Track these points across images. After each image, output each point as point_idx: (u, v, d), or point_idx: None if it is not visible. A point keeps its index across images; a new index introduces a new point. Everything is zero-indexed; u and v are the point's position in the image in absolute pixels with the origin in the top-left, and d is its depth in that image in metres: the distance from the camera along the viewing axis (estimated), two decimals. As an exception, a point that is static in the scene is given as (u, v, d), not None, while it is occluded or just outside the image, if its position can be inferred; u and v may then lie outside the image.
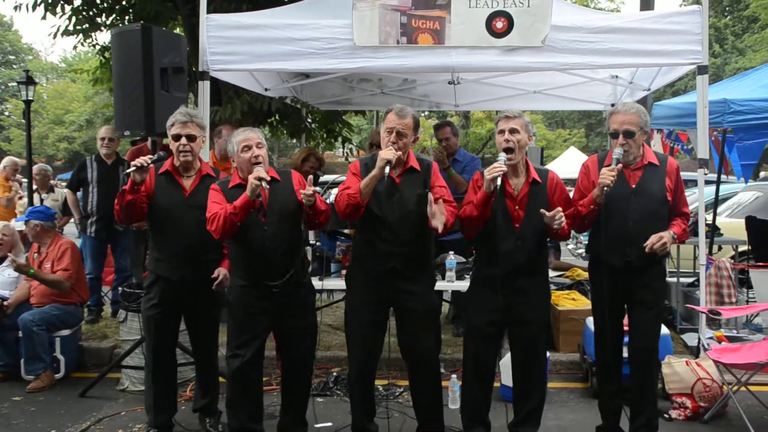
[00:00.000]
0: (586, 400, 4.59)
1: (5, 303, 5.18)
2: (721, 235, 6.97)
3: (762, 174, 16.39)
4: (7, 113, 36.83)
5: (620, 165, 3.52)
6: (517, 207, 3.50)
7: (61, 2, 6.99)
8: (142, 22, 5.35)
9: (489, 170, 3.34)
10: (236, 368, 3.53)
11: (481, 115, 23.32)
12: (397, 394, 4.66)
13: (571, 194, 3.75)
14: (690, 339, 5.41)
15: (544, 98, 7.11)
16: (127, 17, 7.03)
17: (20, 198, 8.49)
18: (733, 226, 7.42)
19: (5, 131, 35.20)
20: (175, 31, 6.37)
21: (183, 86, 4.77)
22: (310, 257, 4.62)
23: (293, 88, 6.57)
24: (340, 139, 8.38)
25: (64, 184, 10.02)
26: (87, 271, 5.92)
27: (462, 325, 5.58)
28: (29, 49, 43.06)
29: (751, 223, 6.51)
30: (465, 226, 3.55)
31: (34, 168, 9.20)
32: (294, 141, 9.70)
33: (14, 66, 40.03)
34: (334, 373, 5.01)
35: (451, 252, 4.80)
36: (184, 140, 3.72)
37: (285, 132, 7.77)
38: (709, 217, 6.60)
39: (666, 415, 4.22)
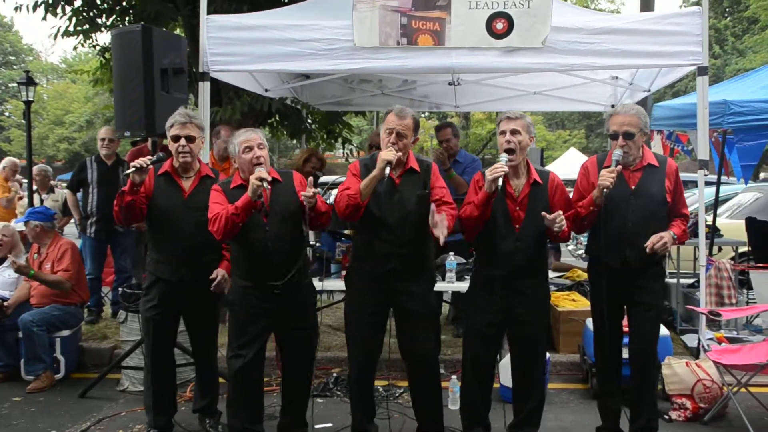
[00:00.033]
0: (586, 401, 4.59)
1: (5, 303, 5.19)
2: (721, 236, 6.96)
3: (762, 175, 16.39)
4: (7, 114, 36.85)
5: (620, 166, 3.53)
6: (517, 208, 3.50)
7: (62, 3, 7.00)
8: (142, 22, 5.34)
9: (490, 170, 3.34)
10: (238, 369, 3.53)
11: (481, 116, 23.32)
12: (397, 394, 4.66)
13: (570, 195, 3.75)
14: (690, 340, 5.41)
15: (544, 99, 7.12)
16: (127, 18, 7.04)
17: (20, 198, 8.50)
18: (733, 228, 7.41)
19: (5, 132, 35.23)
20: (175, 32, 6.39)
21: (183, 87, 4.77)
22: (310, 258, 4.62)
23: (293, 88, 6.57)
24: (340, 139, 8.38)
25: (64, 184, 10.02)
26: (87, 271, 5.92)
27: (462, 325, 5.58)
28: (29, 49, 43.11)
29: (751, 224, 6.50)
30: (465, 226, 3.55)
31: (35, 168, 9.19)
32: (294, 142, 9.71)
33: (14, 67, 40.05)
34: (334, 374, 5.01)
35: (451, 253, 4.80)
36: (183, 141, 3.72)
37: (285, 133, 7.77)
38: (709, 218, 6.60)
39: (666, 416, 4.22)
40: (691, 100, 6.32)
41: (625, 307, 3.71)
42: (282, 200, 3.56)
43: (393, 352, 3.83)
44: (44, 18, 7.07)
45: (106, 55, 7.51)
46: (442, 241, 3.39)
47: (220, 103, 6.25)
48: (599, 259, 3.63)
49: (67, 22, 7.10)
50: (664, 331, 4.30)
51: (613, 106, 6.54)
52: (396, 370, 4.71)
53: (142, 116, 4.45)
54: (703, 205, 5.03)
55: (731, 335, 5.06)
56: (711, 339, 4.64)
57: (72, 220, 7.38)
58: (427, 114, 24.38)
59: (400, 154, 3.50)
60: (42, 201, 8.41)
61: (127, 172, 3.62)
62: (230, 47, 4.81)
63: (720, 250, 7.27)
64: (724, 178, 7.43)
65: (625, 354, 3.76)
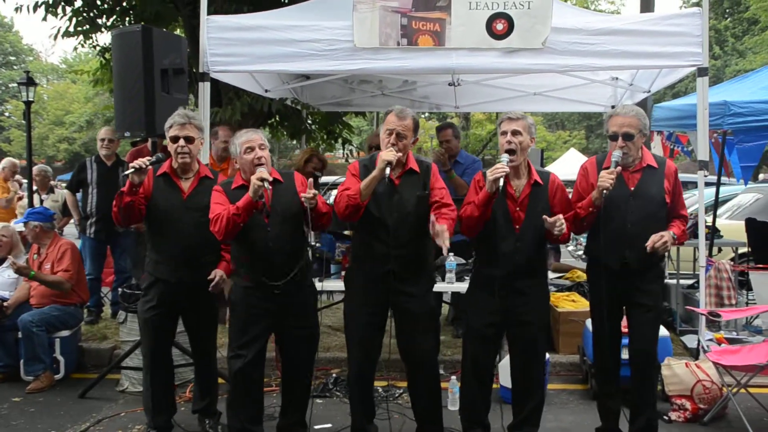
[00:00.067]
0: (586, 402, 4.59)
1: (5, 304, 5.19)
2: (721, 237, 6.96)
3: (762, 176, 16.38)
4: (7, 114, 36.85)
5: (619, 167, 3.53)
6: (517, 208, 3.51)
7: (62, 3, 7.00)
8: (142, 23, 5.35)
9: (491, 171, 3.35)
10: (238, 369, 3.53)
11: (482, 116, 23.33)
12: (397, 395, 4.66)
13: (569, 196, 3.75)
14: (690, 341, 5.41)
15: (544, 100, 7.11)
16: (127, 18, 7.04)
17: (20, 199, 8.50)
18: (733, 228, 7.41)
19: (5, 132, 35.22)
20: (175, 33, 6.38)
21: (183, 87, 4.77)
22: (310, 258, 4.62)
23: (293, 89, 6.57)
24: (340, 140, 8.39)
25: (64, 185, 10.02)
26: (86, 272, 5.92)
27: (461, 326, 5.57)
28: (30, 50, 43.10)
29: (751, 225, 6.51)
30: (465, 225, 3.55)
31: (34, 169, 9.20)
32: (294, 142, 9.71)
33: (15, 67, 40.05)
34: (334, 375, 5.02)
35: (451, 253, 4.79)
36: (182, 142, 3.72)
37: (285, 133, 7.77)
38: (709, 219, 6.60)
39: (665, 417, 4.22)
40: (691, 100, 6.32)
41: (624, 308, 3.71)
42: (283, 201, 3.57)
43: (392, 353, 3.82)
44: (44, 18, 7.07)
45: (107, 55, 7.50)
46: (445, 251, 3.40)
47: (220, 104, 6.25)
48: (599, 260, 3.63)
49: (68, 23, 7.10)
50: (663, 331, 4.30)
51: (613, 106, 6.54)
52: (395, 371, 4.71)
53: (142, 116, 4.45)
54: (703, 205, 5.03)
55: (731, 336, 5.05)
56: (711, 340, 4.64)
57: (72, 221, 7.38)
58: (427, 115, 24.41)
59: (400, 154, 3.50)
60: (42, 201, 8.42)
61: (126, 172, 3.62)
62: (230, 48, 4.80)
63: (720, 250, 7.27)
64: (723, 178, 7.43)
65: (625, 355, 3.76)
